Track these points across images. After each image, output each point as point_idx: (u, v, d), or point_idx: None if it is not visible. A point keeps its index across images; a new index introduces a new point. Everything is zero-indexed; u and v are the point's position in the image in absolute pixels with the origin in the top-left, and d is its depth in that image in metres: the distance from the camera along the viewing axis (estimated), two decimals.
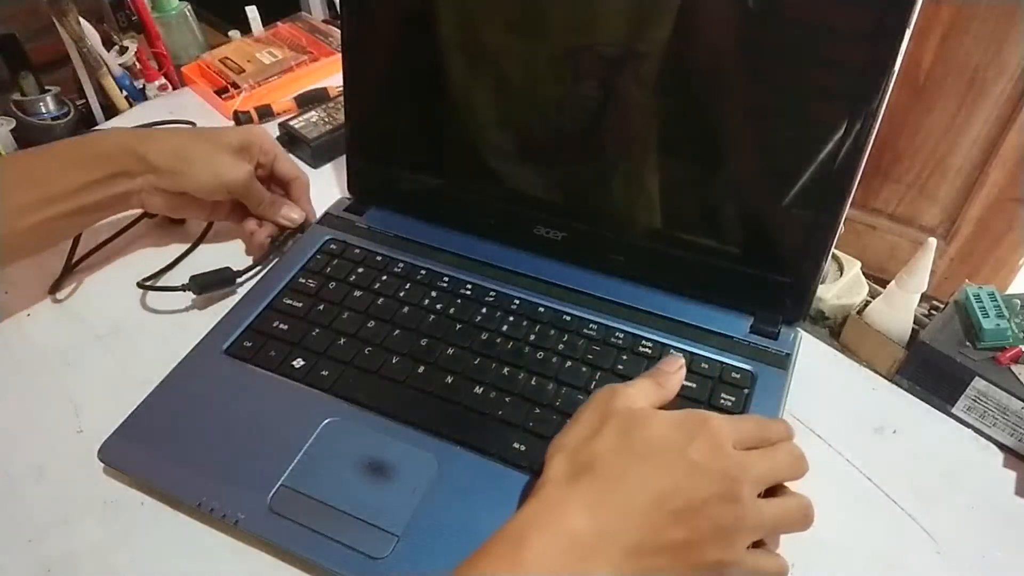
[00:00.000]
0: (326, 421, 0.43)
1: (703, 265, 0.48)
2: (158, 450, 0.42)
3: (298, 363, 0.46)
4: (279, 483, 0.40)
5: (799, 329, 0.48)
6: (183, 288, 0.53)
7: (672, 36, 0.44)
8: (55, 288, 0.55)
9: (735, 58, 0.44)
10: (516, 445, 0.41)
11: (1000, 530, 0.42)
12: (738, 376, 0.45)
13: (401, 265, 0.53)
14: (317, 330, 0.48)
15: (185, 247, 0.59)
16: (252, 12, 0.88)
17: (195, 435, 0.43)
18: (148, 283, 0.55)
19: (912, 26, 0.39)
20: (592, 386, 0.44)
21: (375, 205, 0.58)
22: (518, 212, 0.52)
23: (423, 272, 0.52)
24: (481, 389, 0.44)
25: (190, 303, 0.54)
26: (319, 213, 0.59)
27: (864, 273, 0.56)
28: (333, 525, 0.38)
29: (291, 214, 0.57)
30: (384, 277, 0.52)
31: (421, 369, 0.46)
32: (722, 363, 0.45)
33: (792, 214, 0.46)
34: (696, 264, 0.49)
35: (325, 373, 0.46)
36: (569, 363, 0.46)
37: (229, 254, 0.59)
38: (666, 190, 0.49)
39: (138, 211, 0.61)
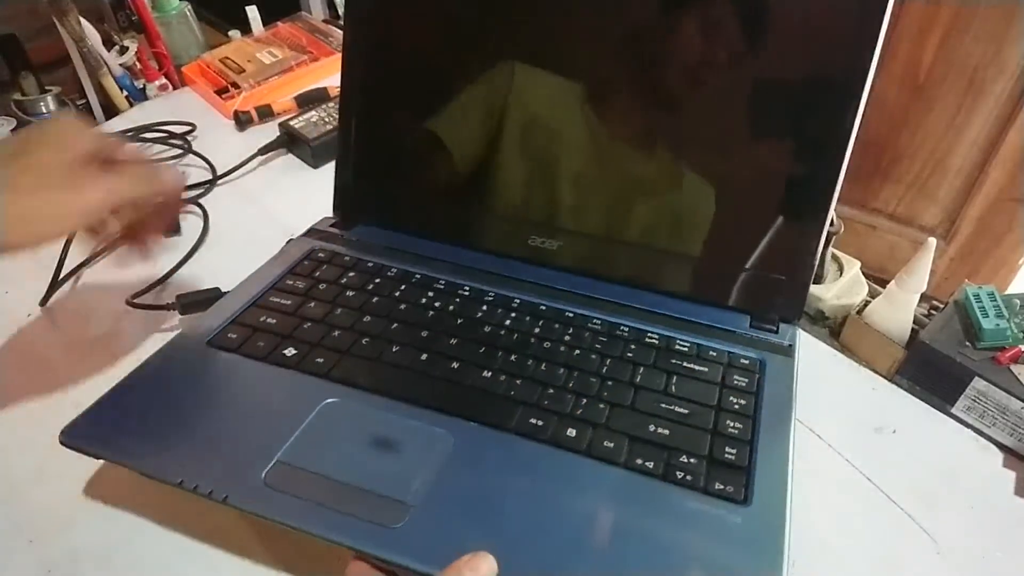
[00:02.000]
0: (326, 401, 0.41)
1: (696, 271, 0.49)
2: (130, 431, 0.40)
3: (289, 352, 0.44)
4: (274, 460, 0.37)
5: (797, 328, 0.48)
6: (168, 307, 0.53)
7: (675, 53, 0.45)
8: (44, 300, 0.56)
9: (731, 68, 0.45)
10: (533, 421, 0.40)
11: (1000, 530, 0.42)
12: (747, 362, 0.44)
13: (394, 271, 0.51)
14: (309, 324, 0.46)
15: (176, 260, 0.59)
16: (252, 12, 0.88)
17: (174, 417, 0.40)
18: (136, 300, 0.54)
19: (887, 19, 0.40)
20: (604, 371, 0.43)
21: (363, 223, 0.56)
22: (512, 226, 0.52)
23: (418, 276, 0.51)
24: (489, 373, 0.43)
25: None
26: (310, 224, 0.57)
27: (864, 273, 0.56)
28: (340, 497, 0.36)
29: (170, 175, 0.46)
30: (377, 280, 0.50)
31: (424, 356, 0.44)
32: (729, 352, 0.45)
33: (779, 217, 0.46)
34: (690, 270, 0.49)
35: (320, 360, 0.43)
36: (577, 351, 0.45)
37: (217, 268, 0.58)
38: (658, 198, 0.50)
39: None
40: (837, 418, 0.47)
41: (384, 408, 0.41)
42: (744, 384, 0.43)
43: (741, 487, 0.37)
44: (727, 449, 0.39)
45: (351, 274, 0.51)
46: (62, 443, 0.39)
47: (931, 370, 0.47)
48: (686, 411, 0.41)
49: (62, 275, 0.57)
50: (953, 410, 0.47)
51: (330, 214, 0.58)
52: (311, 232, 0.56)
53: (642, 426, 0.40)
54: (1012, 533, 0.41)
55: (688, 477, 0.37)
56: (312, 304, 0.48)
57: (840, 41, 0.42)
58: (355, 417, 0.41)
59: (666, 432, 0.40)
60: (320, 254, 0.53)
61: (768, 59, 0.44)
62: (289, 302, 0.49)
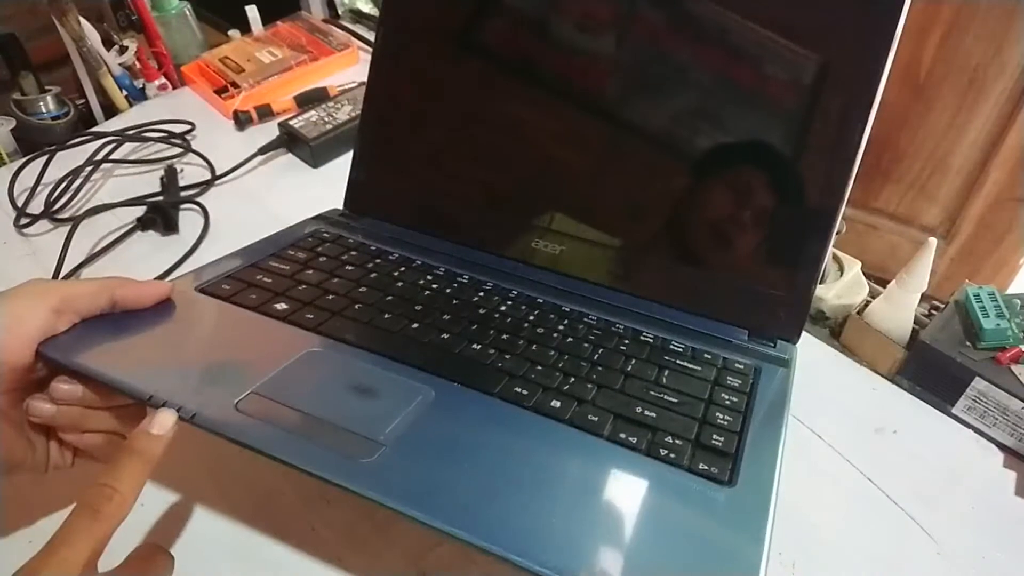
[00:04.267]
0: (309, 349, 0.40)
1: (697, 284, 0.48)
2: (106, 350, 0.39)
3: (280, 306, 0.44)
4: (249, 390, 0.36)
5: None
6: None
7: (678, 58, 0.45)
8: None
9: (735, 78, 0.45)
10: (518, 389, 0.39)
11: (1000, 530, 0.42)
12: (741, 367, 0.44)
13: (395, 255, 0.51)
14: (303, 286, 0.46)
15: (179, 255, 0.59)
16: (252, 11, 0.88)
17: (152, 343, 0.40)
18: None
19: (899, 33, 0.39)
20: (595, 357, 0.43)
21: (372, 217, 0.57)
22: (516, 228, 0.52)
23: (418, 263, 0.51)
24: (479, 347, 0.42)
25: None
26: (316, 213, 0.58)
27: (864, 273, 0.56)
28: (310, 429, 0.35)
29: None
30: (377, 260, 0.50)
31: (415, 326, 0.43)
32: (724, 356, 0.45)
33: (782, 240, 0.46)
34: (691, 282, 0.48)
35: (310, 316, 0.43)
36: (570, 339, 0.44)
37: None
38: (662, 209, 0.50)
39: (132, 221, 0.61)
40: (838, 418, 0.47)
41: (368, 361, 0.40)
42: (737, 384, 0.42)
43: (726, 470, 0.35)
44: (714, 436, 0.37)
45: (352, 252, 0.51)
46: (39, 353, 0.38)
47: (931, 370, 0.47)
48: (675, 400, 0.40)
49: (61, 274, 0.57)
50: (954, 410, 0.47)
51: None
52: (318, 218, 0.57)
53: (629, 407, 0.38)
54: (1012, 533, 0.41)
55: (672, 455, 0.35)
56: (309, 272, 0.48)
57: (850, 55, 0.41)
58: (337, 365, 0.40)
59: (653, 415, 0.38)
60: (325, 234, 0.53)
61: (770, 72, 0.44)
62: (287, 267, 0.48)
